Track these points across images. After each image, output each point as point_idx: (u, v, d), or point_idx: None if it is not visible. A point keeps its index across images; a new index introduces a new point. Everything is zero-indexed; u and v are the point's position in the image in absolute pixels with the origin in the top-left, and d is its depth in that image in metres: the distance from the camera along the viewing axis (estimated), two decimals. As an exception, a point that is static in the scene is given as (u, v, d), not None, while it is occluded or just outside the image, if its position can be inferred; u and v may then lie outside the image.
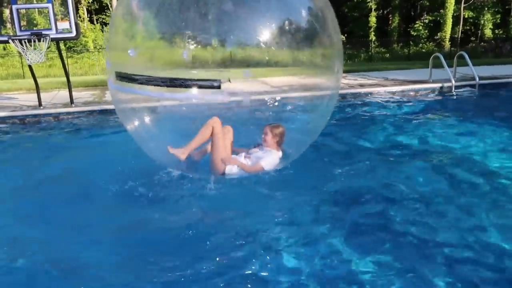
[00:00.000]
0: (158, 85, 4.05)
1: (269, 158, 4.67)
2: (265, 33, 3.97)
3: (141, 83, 4.13)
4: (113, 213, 4.22)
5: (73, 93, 9.93)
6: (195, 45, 4.10)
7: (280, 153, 4.78)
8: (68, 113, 9.01)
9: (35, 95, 9.62)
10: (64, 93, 10.79)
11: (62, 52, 12.20)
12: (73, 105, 9.48)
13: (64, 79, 10.09)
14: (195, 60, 4.13)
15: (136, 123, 4.86)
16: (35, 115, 8.89)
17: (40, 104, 9.44)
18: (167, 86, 4.03)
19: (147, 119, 4.88)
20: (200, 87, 4.01)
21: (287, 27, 4.11)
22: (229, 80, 3.95)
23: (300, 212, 4.11)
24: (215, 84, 3.94)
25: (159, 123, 4.96)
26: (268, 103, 4.95)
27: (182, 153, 4.56)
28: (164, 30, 4.34)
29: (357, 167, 5.24)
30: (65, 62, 11.10)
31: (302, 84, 5.13)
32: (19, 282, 3.23)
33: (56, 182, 5.17)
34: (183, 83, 4.00)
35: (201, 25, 4.09)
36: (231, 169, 4.66)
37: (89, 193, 4.69)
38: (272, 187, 4.53)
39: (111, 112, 9.00)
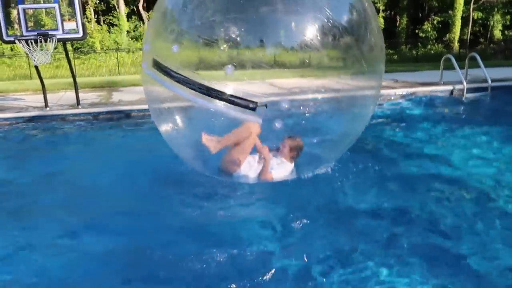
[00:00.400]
0: (193, 90, 3.98)
1: (281, 170, 4.64)
2: (307, 34, 3.94)
3: (178, 82, 4.06)
4: (119, 218, 4.13)
5: (80, 94, 9.84)
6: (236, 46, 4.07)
7: (292, 165, 4.75)
8: (74, 115, 8.92)
9: (42, 96, 9.54)
10: (71, 94, 10.71)
11: (69, 53, 12.13)
12: (79, 107, 9.39)
13: (71, 80, 10.00)
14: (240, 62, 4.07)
15: (165, 113, 4.78)
16: (41, 116, 8.81)
17: (46, 105, 9.36)
18: (203, 93, 3.94)
19: (177, 112, 4.76)
20: (235, 104, 3.89)
21: (329, 28, 4.03)
22: (266, 106, 3.85)
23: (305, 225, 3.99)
24: (251, 105, 3.84)
25: (189, 118, 4.85)
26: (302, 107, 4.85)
27: (214, 148, 4.49)
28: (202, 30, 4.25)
29: (368, 172, 5.11)
30: (72, 63, 11.02)
31: (315, 86, 5.05)
32: None
33: (60, 183, 5.12)
34: (219, 96, 3.90)
35: (243, 27, 4.05)
36: (240, 170, 4.59)
37: (93, 196, 4.64)
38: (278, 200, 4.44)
39: (117, 113, 8.92)
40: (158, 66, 4.24)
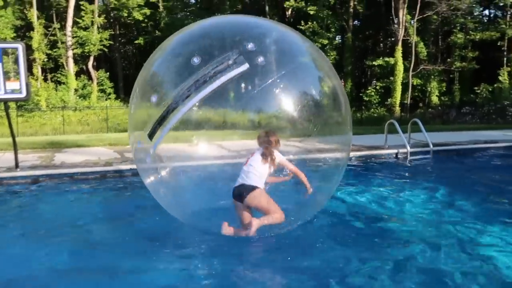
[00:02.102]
0: (188, 96, 4.18)
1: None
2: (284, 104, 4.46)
3: (173, 110, 4.23)
4: None
5: (20, 155, 9.35)
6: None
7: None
8: (11, 178, 8.40)
9: (-23, 157, 9.00)
10: (10, 155, 10.18)
11: (12, 110, 11.67)
12: (18, 169, 8.87)
13: (11, 140, 9.47)
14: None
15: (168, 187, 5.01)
16: (-26, 180, 8.23)
17: (-19, 168, 8.81)
18: (195, 90, 4.16)
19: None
20: (222, 71, 4.16)
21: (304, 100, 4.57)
22: (241, 54, 4.16)
23: None
24: (231, 62, 4.16)
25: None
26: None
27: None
28: None
29: (313, 237, 5.11)
30: (12, 123, 10.51)
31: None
32: None
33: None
34: (206, 79, 4.15)
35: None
36: None
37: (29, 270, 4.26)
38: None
39: (58, 176, 8.50)
40: (152, 132, 4.40)
